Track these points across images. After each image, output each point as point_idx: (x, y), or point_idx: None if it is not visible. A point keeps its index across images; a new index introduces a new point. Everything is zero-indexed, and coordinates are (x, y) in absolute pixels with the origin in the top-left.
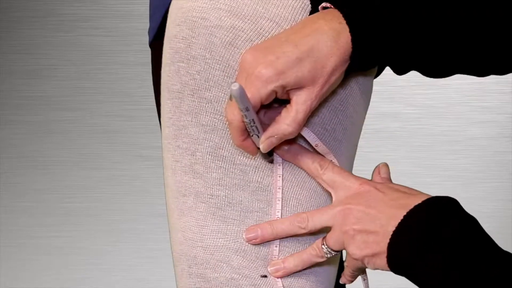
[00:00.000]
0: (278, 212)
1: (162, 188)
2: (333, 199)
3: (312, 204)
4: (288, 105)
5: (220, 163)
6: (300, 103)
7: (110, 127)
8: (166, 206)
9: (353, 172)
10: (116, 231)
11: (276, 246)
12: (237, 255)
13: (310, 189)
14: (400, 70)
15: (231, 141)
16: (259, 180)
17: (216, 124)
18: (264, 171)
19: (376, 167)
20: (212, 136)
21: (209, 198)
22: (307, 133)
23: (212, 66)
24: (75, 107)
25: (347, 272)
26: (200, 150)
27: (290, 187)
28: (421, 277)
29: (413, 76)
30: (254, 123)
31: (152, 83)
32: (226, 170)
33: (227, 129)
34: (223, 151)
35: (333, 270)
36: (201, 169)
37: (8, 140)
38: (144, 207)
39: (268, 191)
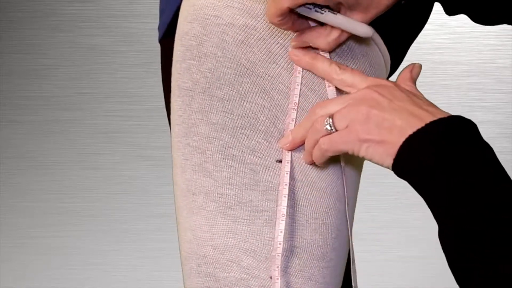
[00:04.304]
0: (283, 209)
1: (162, 188)
2: None
3: (322, 205)
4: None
5: (230, 162)
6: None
7: (110, 127)
8: (174, 204)
9: None
10: (116, 231)
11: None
12: (247, 255)
13: (320, 189)
14: (451, 10)
15: (241, 140)
16: (269, 179)
17: (226, 122)
18: (274, 170)
19: (410, 64)
20: (222, 134)
21: (219, 197)
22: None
23: (224, 65)
24: (75, 107)
25: (318, 153)
26: (210, 148)
27: (300, 187)
28: (425, 185)
29: None
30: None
31: (162, 80)
32: (236, 169)
33: (237, 128)
34: (233, 150)
35: (340, 272)
36: (211, 168)
37: (8, 140)
38: (144, 207)
39: (278, 190)
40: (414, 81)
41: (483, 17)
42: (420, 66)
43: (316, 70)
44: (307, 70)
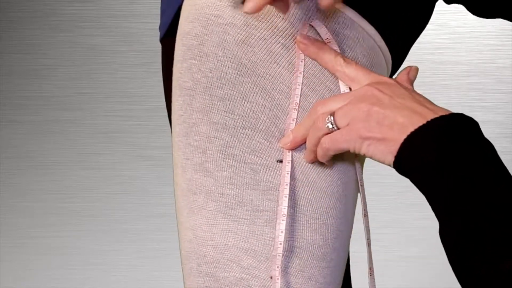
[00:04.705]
0: (284, 209)
1: (162, 188)
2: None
3: (322, 205)
4: None
5: (231, 161)
6: None
7: (110, 127)
8: (174, 204)
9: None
10: (116, 231)
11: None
12: (247, 255)
13: (320, 189)
14: None
15: (242, 140)
16: (269, 179)
17: (227, 122)
18: (275, 170)
19: (407, 66)
20: (223, 134)
21: (220, 197)
22: (319, 26)
23: (225, 64)
24: (75, 107)
25: (321, 152)
26: (211, 148)
27: (300, 187)
28: (427, 182)
29: None
30: None
31: (162, 80)
32: (237, 169)
33: (238, 128)
34: (233, 149)
35: (341, 272)
36: (212, 168)
37: (8, 140)
38: (144, 207)
39: (278, 190)
40: (411, 82)
41: (479, 8)
42: (417, 69)
43: (321, 60)
44: (313, 59)
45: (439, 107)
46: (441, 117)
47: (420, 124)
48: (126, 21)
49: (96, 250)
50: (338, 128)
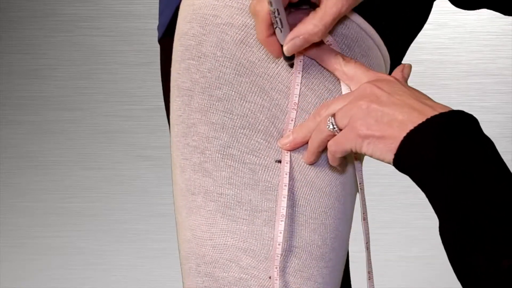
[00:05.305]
0: (283, 209)
1: (162, 188)
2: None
3: (321, 205)
4: (317, 8)
5: (230, 161)
6: (330, 5)
7: (110, 127)
8: (174, 204)
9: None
10: (116, 231)
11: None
12: (246, 255)
13: (319, 189)
14: None
15: (240, 140)
16: (268, 179)
17: (225, 122)
18: (274, 170)
19: (401, 64)
20: (222, 134)
21: (218, 197)
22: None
23: (223, 64)
24: (75, 107)
25: (330, 156)
26: (210, 148)
27: (299, 187)
28: (427, 180)
29: (413, 76)
30: (279, 14)
31: (161, 80)
32: (236, 169)
33: (237, 128)
34: (232, 149)
35: (339, 273)
36: (211, 168)
37: (8, 140)
38: (144, 207)
39: (277, 190)
40: (405, 80)
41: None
42: (411, 66)
43: (321, 59)
44: (312, 58)
45: (438, 103)
46: (441, 114)
47: (420, 121)
48: (126, 21)
49: (96, 250)
50: (340, 129)
